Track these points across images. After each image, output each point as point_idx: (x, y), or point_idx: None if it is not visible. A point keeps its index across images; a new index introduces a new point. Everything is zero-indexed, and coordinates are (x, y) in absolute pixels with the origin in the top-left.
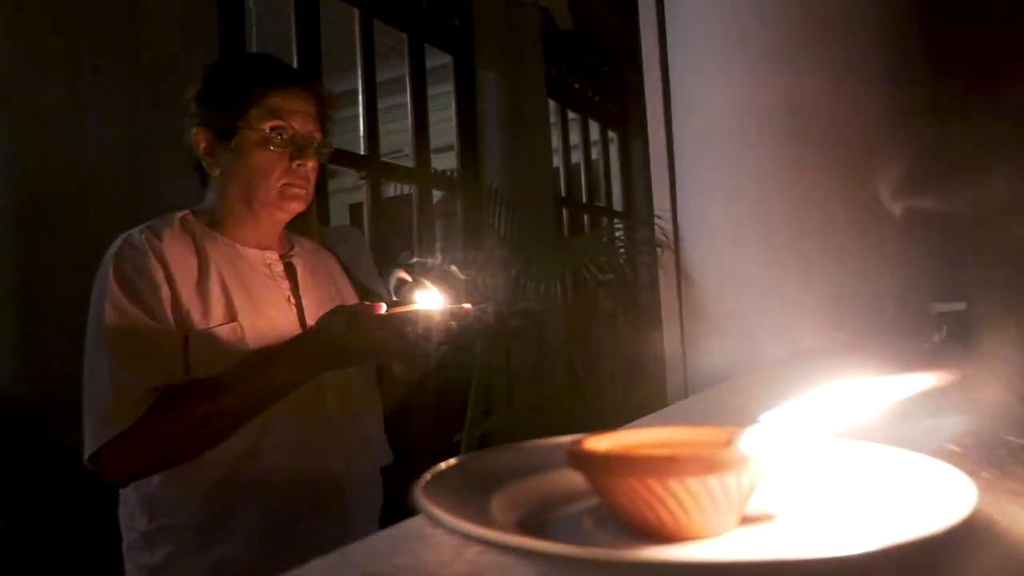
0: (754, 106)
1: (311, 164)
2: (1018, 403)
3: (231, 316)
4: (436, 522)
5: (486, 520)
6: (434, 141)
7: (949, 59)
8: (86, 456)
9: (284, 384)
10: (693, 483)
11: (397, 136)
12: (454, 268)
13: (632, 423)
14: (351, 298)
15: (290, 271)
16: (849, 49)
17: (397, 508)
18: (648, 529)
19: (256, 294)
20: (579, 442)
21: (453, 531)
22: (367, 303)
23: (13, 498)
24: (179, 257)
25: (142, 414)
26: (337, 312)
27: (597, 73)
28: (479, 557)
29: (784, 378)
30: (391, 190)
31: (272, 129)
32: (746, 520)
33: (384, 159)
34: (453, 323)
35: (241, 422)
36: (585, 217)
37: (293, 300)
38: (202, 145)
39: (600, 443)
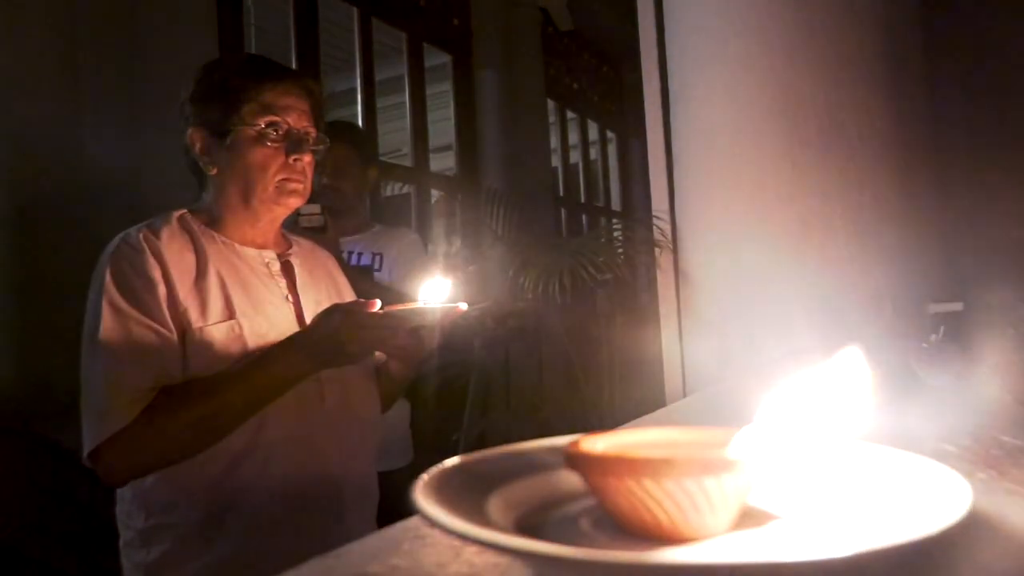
0: (752, 106)
1: (307, 159)
2: (1015, 404)
3: (229, 314)
4: (433, 522)
5: (483, 521)
6: (433, 141)
7: (948, 58)
8: (84, 454)
9: (281, 382)
10: (690, 484)
11: (395, 135)
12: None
13: (630, 423)
14: (349, 296)
15: (288, 270)
16: (847, 50)
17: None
18: (645, 530)
19: (254, 292)
20: (576, 442)
21: (450, 532)
22: (362, 300)
23: (10, 498)
24: (177, 255)
25: (140, 412)
26: (333, 310)
27: (596, 73)
28: (476, 557)
29: (781, 378)
30: (389, 189)
31: (267, 125)
32: (742, 521)
33: (382, 158)
34: (448, 323)
35: (239, 421)
36: (583, 217)
37: (291, 298)
38: (198, 145)
39: (597, 443)
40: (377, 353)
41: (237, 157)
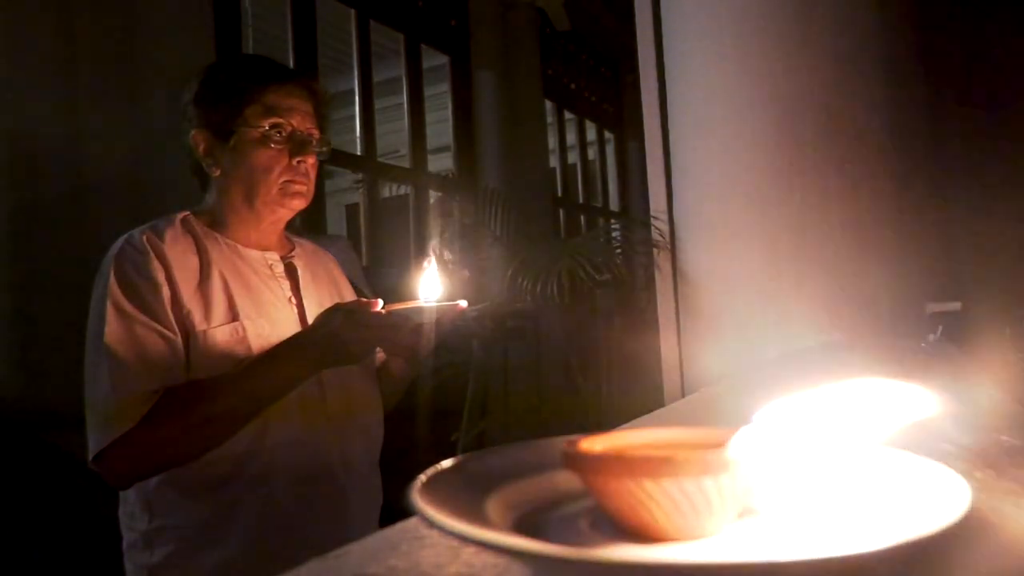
0: (750, 106)
1: (311, 161)
2: (1013, 403)
3: (232, 316)
4: (432, 523)
5: (482, 521)
6: (431, 141)
7: (946, 57)
8: (90, 457)
9: (283, 383)
10: (688, 484)
11: (393, 136)
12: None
13: (628, 423)
14: (350, 298)
15: (291, 271)
16: (845, 51)
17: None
18: (643, 530)
19: (257, 294)
20: (575, 443)
21: (449, 532)
22: (363, 300)
23: (13, 501)
24: (180, 257)
25: (144, 416)
26: (334, 309)
27: (594, 73)
28: (475, 558)
29: (780, 378)
30: (388, 190)
31: (271, 126)
32: (741, 521)
33: (380, 160)
34: (448, 321)
35: (242, 422)
36: (582, 217)
37: (294, 300)
38: (201, 147)
39: (596, 444)
40: (378, 352)
41: (240, 159)
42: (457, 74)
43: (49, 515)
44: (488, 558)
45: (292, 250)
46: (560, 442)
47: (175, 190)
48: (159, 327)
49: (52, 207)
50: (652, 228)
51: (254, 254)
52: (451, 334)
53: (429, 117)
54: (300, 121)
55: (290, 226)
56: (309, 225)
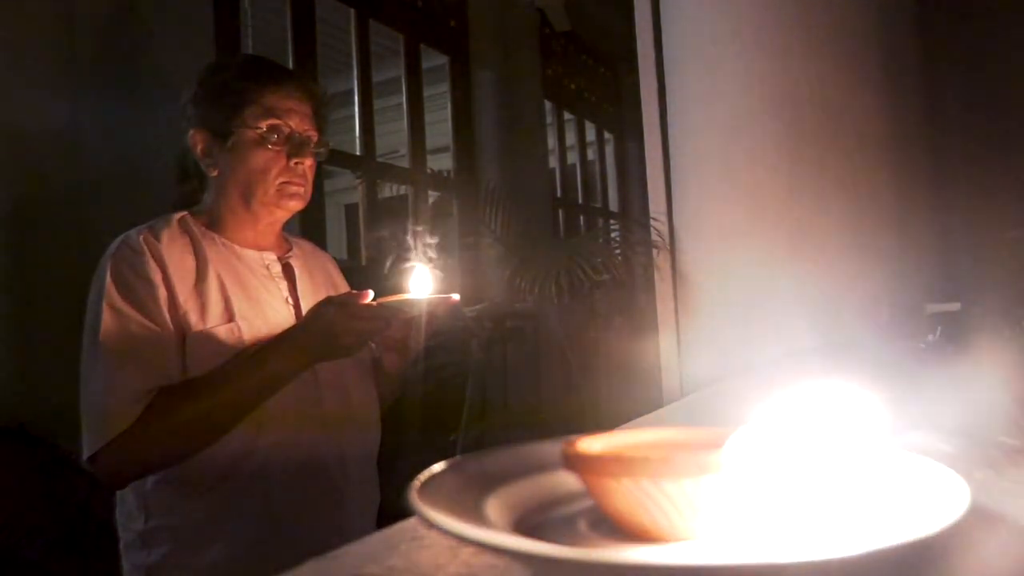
0: (750, 107)
1: (308, 162)
2: (1013, 404)
3: (229, 317)
4: (431, 523)
5: (481, 521)
6: (430, 142)
7: (945, 60)
8: (84, 457)
9: (277, 377)
10: (688, 484)
11: (393, 137)
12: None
13: (627, 424)
14: None
15: (288, 272)
16: (844, 52)
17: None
18: (642, 531)
19: (254, 295)
20: (574, 443)
21: (448, 533)
22: (355, 292)
23: (7, 501)
24: (177, 258)
25: (139, 416)
26: (326, 302)
27: (593, 74)
28: (474, 558)
29: (779, 379)
30: (387, 191)
31: (269, 128)
32: (739, 522)
33: (380, 160)
34: (441, 314)
35: (238, 417)
36: (581, 218)
37: (291, 300)
38: (199, 147)
39: (595, 444)
40: (372, 346)
41: (238, 159)
42: (457, 74)
43: (47, 515)
44: (487, 558)
45: (289, 250)
46: (559, 443)
47: (172, 192)
48: (155, 327)
49: (50, 207)
50: (651, 229)
51: (251, 254)
52: (447, 330)
53: (428, 117)
54: (298, 123)
55: (288, 226)
56: (308, 225)
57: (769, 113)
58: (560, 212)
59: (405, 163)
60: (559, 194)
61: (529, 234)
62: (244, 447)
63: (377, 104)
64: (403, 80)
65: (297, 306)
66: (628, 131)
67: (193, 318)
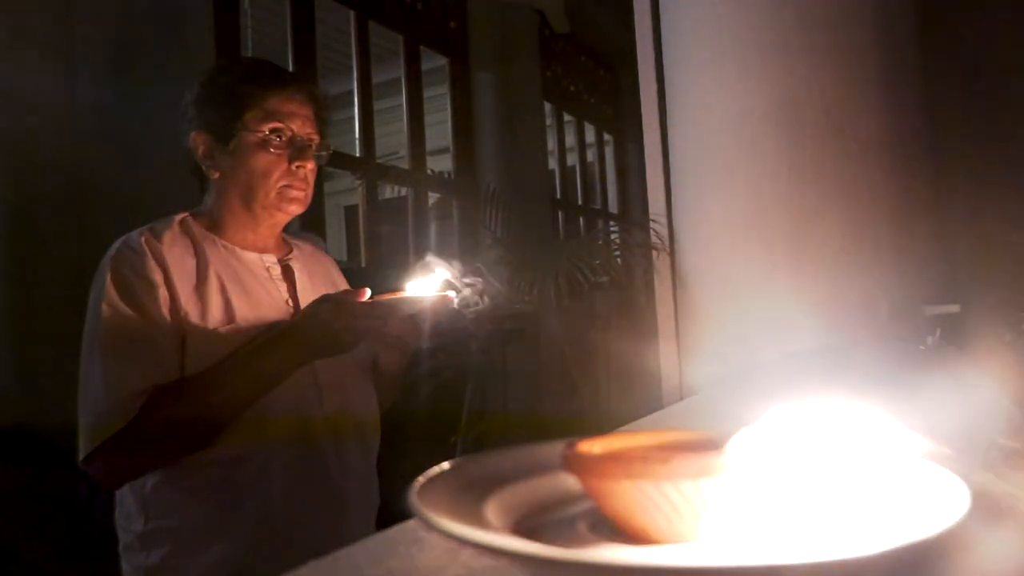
0: (749, 108)
1: (309, 166)
2: (1012, 406)
3: (229, 318)
4: (431, 525)
5: (481, 523)
6: (430, 143)
7: (946, 60)
8: (80, 457)
9: (272, 374)
10: (687, 486)
11: (393, 138)
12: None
13: (627, 426)
14: None
15: (288, 274)
16: (844, 52)
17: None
18: (642, 532)
19: (254, 297)
20: (574, 445)
21: (447, 535)
22: (351, 289)
23: (6, 502)
24: (178, 260)
25: (134, 416)
26: (323, 300)
27: (593, 76)
28: (474, 560)
29: (778, 381)
30: (387, 192)
31: (271, 131)
32: (739, 524)
33: (380, 161)
34: (439, 313)
35: (233, 414)
36: (580, 219)
37: (291, 302)
38: (201, 149)
39: (595, 446)
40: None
41: (240, 162)
42: (456, 76)
43: (43, 516)
44: (487, 560)
45: (289, 252)
46: (559, 445)
47: (174, 191)
48: (154, 327)
49: (47, 210)
50: (651, 230)
51: (251, 256)
52: (446, 329)
53: (428, 119)
54: (300, 126)
55: (289, 227)
56: (308, 226)
57: (769, 115)
58: (560, 213)
59: (405, 164)
60: (559, 195)
61: (529, 235)
62: (244, 449)
63: (377, 105)
64: (403, 81)
65: (297, 308)
66: (628, 133)
67: (193, 319)
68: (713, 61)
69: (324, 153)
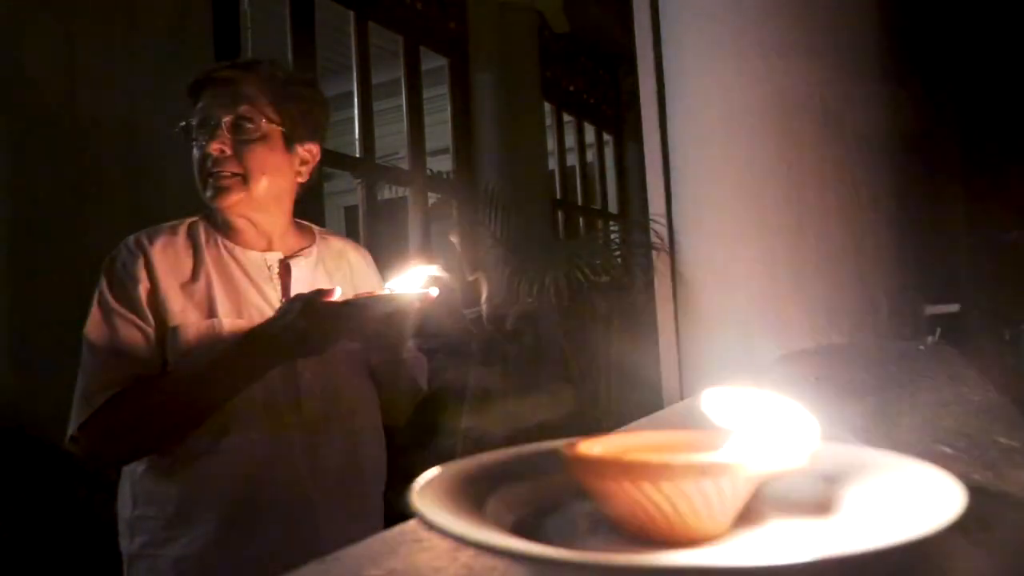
0: (749, 108)
1: (213, 145)
2: (1011, 405)
3: (210, 314)
4: (431, 526)
5: (481, 524)
6: (429, 143)
7: (946, 61)
8: (66, 438)
9: (244, 373)
10: (688, 487)
11: (392, 139)
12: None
13: (627, 426)
14: None
15: (287, 271)
16: (844, 52)
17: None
18: (643, 533)
19: (243, 295)
20: (574, 445)
21: (448, 535)
22: (323, 289)
23: (6, 500)
24: (171, 259)
25: (109, 400)
26: (294, 300)
27: (592, 76)
28: (474, 561)
29: (778, 381)
30: (386, 192)
31: (185, 123)
32: (739, 524)
33: (379, 161)
34: (420, 310)
35: (207, 410)
36: (580, 220)
37: (284, 301)
38: None
39: (595, 447)
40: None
41: None
42: (456, 76)
43: (44, 516)
44: (487, 561)
45: (304, 249)
46: (559, 445)
47: (174, 193)
48: (135, 318)
49: (47, 211)
50: (651, 230)
51: (253, 255)
52: (437, 327)
53: (428, 119)
54: (209, 106)
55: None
56: None
57: (769, 114)
58: (559, 214)
59: (405, 165)
60: (558, 196)
61: (529, 236)
62: (207, 448)
63: (376, 106)
64: (403, 82)
65: None
66: (627, 132)
67: (174, 312)
68: (713, 61)
69: (247, 124)
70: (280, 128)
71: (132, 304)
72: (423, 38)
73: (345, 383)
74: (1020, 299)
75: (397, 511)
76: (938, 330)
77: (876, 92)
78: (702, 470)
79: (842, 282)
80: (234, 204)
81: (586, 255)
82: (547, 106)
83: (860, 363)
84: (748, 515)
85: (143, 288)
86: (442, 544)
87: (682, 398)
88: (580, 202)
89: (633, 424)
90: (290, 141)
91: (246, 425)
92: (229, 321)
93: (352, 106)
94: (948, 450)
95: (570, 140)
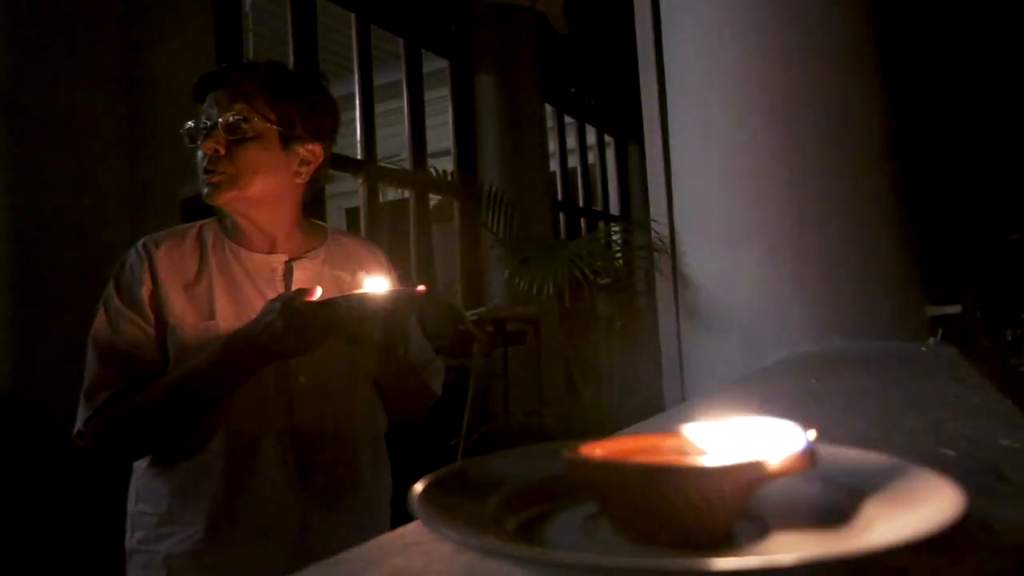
0: (750, 109)
1: (208, 145)
2: (1012, 406)
3: (209, 316)
4: (433, 528)
5: (483, 527)
6: (431, 145)
7: (948, 62)
8: (73, 433)
9: (226, 377)
10: (689, 489)
11: (394, 140)
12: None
13: (629, 428)
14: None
15: (290, 273)
16: (845, 54)
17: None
18: (645, 536)
19: (244, 298)
20: (576, 448)
21: (450, 538)
22: (302, 289)
23: (11, 498)
24: (176, 262)
25: (110, 396)
26: (273, 301)
27: (593, 77)
28: (476, 564)
29: (779, 382)
30: (388, 194)
31: (184, 130)
32: (741, 526)
33: (381, 163)
34: (405, 308)
35: (198, 411)
36: (582, 221)
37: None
38: None
39: (597, 449)
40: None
41: None
42: (457, 78)
43: (46, 513)
44: (489, 564)
45: (311, 250)
46: (561, 447)
47: (173, 194)
48: (139, 319)
49: (48, 212)
50: (652, 232)
51: (258, 257)
52: (448, 333)
53: (429, 121)
54: (208, 109)
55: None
56: None
57: (770, 116)
58: (561, 215)
59: (407, 166)
60: (560, 197)
61: (530, 237)
62: (198, 445)
63: (378, 108)
64: (404, 84)
65: None
66: (629, 134)
67: (174, 313)
68: (714, 63)
69: (241, 123)
70: (276, 128)
71: (136, 305)
72: (424, 40)
73: (342, 388)
74: (1021, 300)
75: (402, 517)
76: (940, 331)
77: (877, 94)
78: (704, 473)
79: (843, 284)
80: (227, 202)
81: (588, 257)
82: (548, 108)
83: (861, 365)
84: (749, 517)
85: (146, 289)
86: (443, 547)
87: (684, 400)
88: (581, 203)
89: (635, 426)
90: (288, 141)
91: (237, 426)
92: (226, 323)
93: (354, 108)
94: (949, 452)
95: (571, 141)
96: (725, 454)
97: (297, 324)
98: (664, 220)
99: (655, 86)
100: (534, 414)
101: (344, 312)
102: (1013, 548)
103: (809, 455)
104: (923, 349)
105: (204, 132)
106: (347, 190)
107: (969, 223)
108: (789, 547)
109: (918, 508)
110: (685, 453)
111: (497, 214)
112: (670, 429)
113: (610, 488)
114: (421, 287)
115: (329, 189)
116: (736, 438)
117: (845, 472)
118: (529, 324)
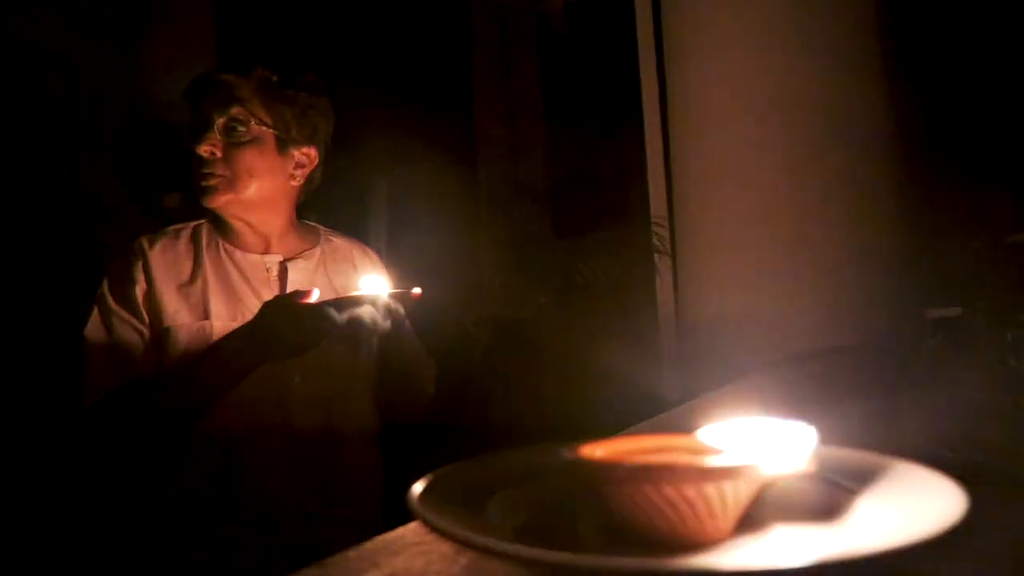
0: (750, 111)
1: (203, 148)
2: (1012, 408)
3: (204, 316)
4: (432, 528)
5: (482, 526)
6: None
7: (949, 62)
8: (68, 433)
9: (222, 375)
10: (690, 490)
11: None
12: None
13: (629, 429)
14: None
15: (284, 274)
16: (846, 54)
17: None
18: (645, 536)
19: (238, 298)
20: (576, 448)
21: (449, 538)
22: (300, 291)
23: (11, 498)
24: (170, 262)
25: (105, 395)
26: (272, 301)
27: (594, 78)
28: (475, 563)
29: (779, 384)
30: None
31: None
32: (742, 527)
33: None
34: (400, 309)
35: (192, 412)
36: None
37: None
38: None
39: (597, 450)
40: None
41: None
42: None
43: (48, 512)
44: (489, 563)
45: (306, 251)
46: (561, 448)
47: (171, 198)
48: (132, 319)
49: (50, 213)
50: (652, 232)
51: (252, 258)
52: (449, 334)
53: None
54: (203, 111)
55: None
56: None
57: (771, 116)
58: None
59: None
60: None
61: (529, 237)
62: (190, 445)
63: None
64: None
65: None
66: (629, 134)
67: (168, 314)
68: (715, 63)
69: (238, 126)
70: (272, 131)
71: (129, 305)
72: None
73: (337, 388)
74: (1021, 301)
75: (401, 517)
76: (939, 333)
77: (879, 93)
78: (705, 473)
79: (843, 285)
80: (222, 205)
81: (588, 257)
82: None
83: (861, 366)
84: (751, 518)
85: (139, 289)
86: (443, 547)
87: (684, 401)
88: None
89: (635, 427)
90: (284, 144)
91: (232, 426)
92: (221, 323)
93: None
94: (950, 453)
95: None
96: (726, 454)
97: (291, 325)
98: (664, 221)
99: (655, 86)
100: (534, 414)
101: (339, 313)
102: (1013, 549)
103: (809, 455)
104: (923, 350)
105: (199, 134)
106: None
107: (970, 224)
108: (789, 547)
109: (918, 509)
110: (685, 453)
111: (497, 215)
112: (670, 429)
113: (610, 488)
114: (416, 289)
115: None
116: (737, 438)
117: (845, 472)
118: (528, 325)
